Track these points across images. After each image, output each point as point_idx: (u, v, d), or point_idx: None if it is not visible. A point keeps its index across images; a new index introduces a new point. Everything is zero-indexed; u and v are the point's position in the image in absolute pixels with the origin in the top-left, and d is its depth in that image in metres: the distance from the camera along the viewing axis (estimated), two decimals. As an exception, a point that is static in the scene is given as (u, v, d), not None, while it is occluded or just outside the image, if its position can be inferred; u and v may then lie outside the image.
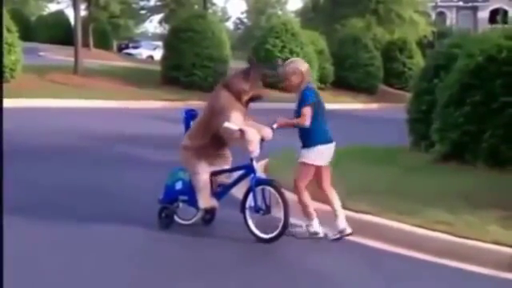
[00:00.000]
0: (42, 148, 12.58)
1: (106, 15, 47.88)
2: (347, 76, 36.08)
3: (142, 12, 61.63)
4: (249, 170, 6.96)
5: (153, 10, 62.01)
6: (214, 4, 61.25)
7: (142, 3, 60.28)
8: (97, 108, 21.51)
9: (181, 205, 7.33)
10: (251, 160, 6.89)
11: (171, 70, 27.94)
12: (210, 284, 5.61)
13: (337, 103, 29.75)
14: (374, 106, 33.56)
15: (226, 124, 6.70)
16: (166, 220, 7.25)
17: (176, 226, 7.29)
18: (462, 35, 15.26)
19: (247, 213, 6.93)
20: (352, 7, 45.94)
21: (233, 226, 7.21)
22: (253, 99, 6.98)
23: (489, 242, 6.60)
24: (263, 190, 6.87)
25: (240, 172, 7.13)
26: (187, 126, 7.38)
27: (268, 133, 6.96)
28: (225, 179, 7.23)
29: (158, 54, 44.02)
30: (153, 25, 72.88)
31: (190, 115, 7.44)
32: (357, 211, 7.56)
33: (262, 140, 6.88)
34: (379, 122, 23.47)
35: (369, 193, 8.39)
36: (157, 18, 64.47)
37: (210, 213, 7.36)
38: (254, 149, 6.75)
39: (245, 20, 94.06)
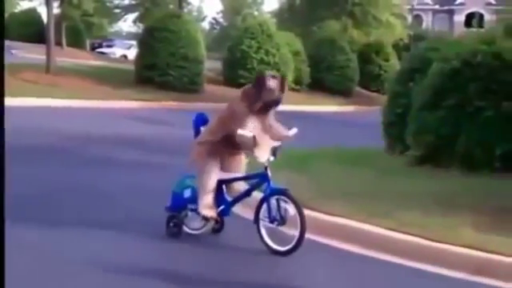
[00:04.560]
0: (13, 149, 12.37)
1: (80, 13, 47.41)
2: (323, 78, 36.09)
3: (116, 11, 61.18)
4: (263, 178, 6.72)
5: (127, 9, 61.64)
6: (189, 3, 60.97)
7: (116, 2, 59.87)
8: (69, 107, 21.29)
9: (189, 213, 7.06)
10: (265, 168, 6.66)
11: (145, 70, 27.75)
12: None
13: (312, 105, 29.78)
14: (349, 108, 33.60)
15: (240, 131, 6.51)
16: (174, 229, 7.01)
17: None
18: (437, 39, 15.28)
19: (261, 223, 6.67)
20: (328, 9, 46.00)
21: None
22: (268, 105, 6.71)
23: (461, 245, 6.62)
24: (278, 199, 6.60)
25: (254, 180, 6.90)
26: (197, 131, 7.13)
27: (287, 132, 6.82)
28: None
29: (131, 54, 43.77)
30: (127, 24, 72.64)
31: (201, 119, 7.20)
32: (330, 213, 7.51)
33: (281, 139, 6.74)
34: (354, 124, 23.52)
35: (342, 195, 8.36)
36: (131, 16, 64.04)
37: (218, 222, 7.13)
38: (261, 154, 6.56)
39: (220, 20, 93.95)
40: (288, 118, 7.16)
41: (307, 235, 6.59)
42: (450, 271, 6.36)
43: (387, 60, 40.96)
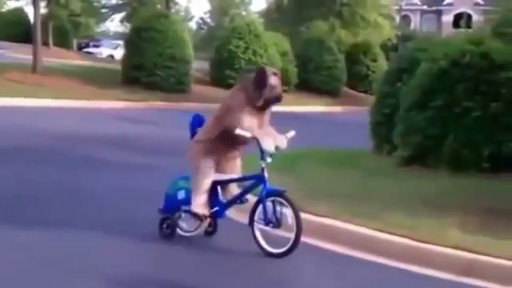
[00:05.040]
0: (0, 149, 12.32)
1: (67, 13, 47.22)
2: (311, 78, 36.06)
3: (104, 10, 61.05)
4: (259, 180, 6.60)
5: (114, 9, 61.51)
6: (176, 3, 60.79)
7: (103, 1, 59.73)
8: (56, 107, 21.17)
9: (183, 215, 6.96)
10: (262, 170, 6.55)
11: (132, 70, 27.65)
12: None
13: (300, 106, 29.74)
14: (337, 108, 33.60)
15: (238, 131, 6.40)
16: (167, 231, 6.92)
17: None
18: (425, 39, 15.28)
19: (256, 226, 6.58)
20: (316, 9, 46.01)
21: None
22: (269, 103, 6.62)
23: (449, 246, 6.62)
24: (273, 201, 6.50)
25: (250, 182, 6.79)
26: (193, 132, 7.02)
27: (282, 141, 6.68)
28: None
29: (118, 54, 43.63)
30: (114, 24, 72.36)
31: (197, 120, 7.08)
32: (317, 214, 7.48)
33: (276, 148, 6.59)
34: (342, 124, 23.52)
35: (329, 196, 8.33)
36: (118, 16, 63.93)
37: (212, 225, 7.05)
38: (270, 148, 6.46)
39: (208, 20, 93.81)
40: (275, 119, 7.10)
41: (285, 233, 6.57)
42: (437, 272, 6.36)
43: (375, 60, 40.98)
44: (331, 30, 44.67)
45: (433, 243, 6.69)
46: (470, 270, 6.32)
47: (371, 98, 15.70)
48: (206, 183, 6.68)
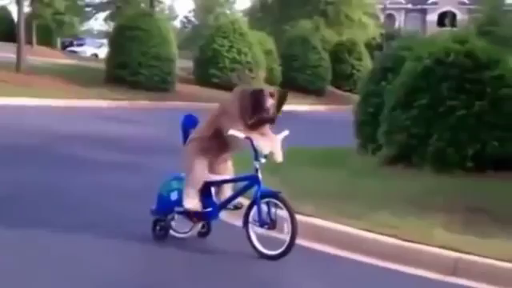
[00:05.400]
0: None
1: (50, 12, 46.96)
2: (295, 77, 36.08)
3: (88, 9, 60.83)
4: (253, 180, 6.52)
5: (98, 8, 61.29)
6: (160, 2, 60.72)
7: (87, 0, 59.51)
8: (40, 106, 21.06)
9: (176, 216, 6.85)
10: (256, 170, 6.48)
11: (116, 69, 27.57)
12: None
13: (284, 105, 29.69)
14: (321, 107, 33.64)
15: (231, 132, 6.33)
16: (160, 233, 6.84)
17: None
18: (410, 38, 15.31)
19: (250, 227, 6.50)
20: (301, 8, 46.06)
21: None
22: (262, 123, 6.55)
23: (434, 245, 6.63)
24: (268, 202, 6.43)
25: (243, 183, 6.70)
26: (185, 133, 6.92)
27: (278, 154, 6.61)
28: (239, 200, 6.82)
29: (102, 52, 43.45)
30: (98, 22, 72.03)
31: (190, 121, 6.98)
32: (303, 214, 7.45)
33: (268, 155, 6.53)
34: (327, 123, 23.52)
35: (314, 195, 8.31)
36: (102, 15, 63.72)
37: (205, 227, 6.98)
38: (265, 150, 6.41)
39: (192, 19, 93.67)
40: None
41: (279, 235, 6.53)
42: (423, 271, 6.37)
43: (360, 59, 41.10)
44: (316, 28, 44.72)
45: (418, 242, 6.70)
46: (456, 268, 6.34)
47: (356, 97, 15.68)
48: (199, 178, 6.60)
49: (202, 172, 6.61)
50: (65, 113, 20.39)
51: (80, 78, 27.39)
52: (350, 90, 38.74)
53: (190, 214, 6.74)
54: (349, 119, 13.71)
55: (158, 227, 6.85)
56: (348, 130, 13.51)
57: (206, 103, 25.97)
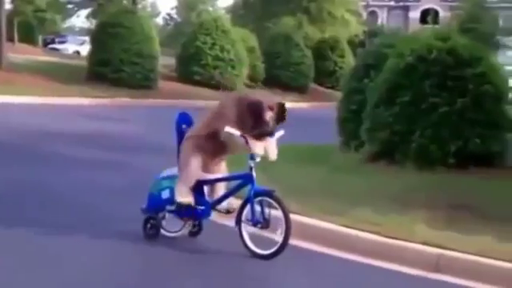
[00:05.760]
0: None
1: (32, 9, 46.69)
2: (278, 74, 36.08)
3: (69, 6, 60.55)
4: (247, 179, 6.47)
5: (80, 5, 60.98)
6: (143, -1, 60.66)
7: (69, -3, 59.26)
8: (21, 104, 20.94)
9: (167, 215, 6.79)
10: (250, 169, 6.41)
11: (98, 66, 27.44)
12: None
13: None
14: (304, 104, 33.65)
15: (227, 129, 6.27)
16: (151, 231, 6.75)
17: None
18: (392, 35, 15.35)
19: (243, 226, 6.44)
20: (283, 5, 46.05)
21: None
22: (259, 135, 6.46)
23: (416, 242, 6.65)
24: (261, 201, 6.38)
25: (237, 181, 6.64)
26: (179, 131, 6.82)
27: (273, 152, 6.58)
28: (229, 206, 6.70)
29: (84, 50, 43.23)
30: (80, 19, 71.66)
31: (184, 119, 6.88)
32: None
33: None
34: (309, 121, 23.51)
35: (297, 192, 8.31)
36: (84, 12, 63.47)
37: (196, 226, 6.90)
38: (259, 151, 6.36)
39: (175, 16, 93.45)
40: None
41: (261, 232, 6.52)
42: (405, 268, 6.38)
43: (342, 56, 41.14)
44: (298, 25, 44.73)
45: (401, 239, 6.71)
46: (438, 265, 6.35)
47: (338, 94, 15.72)
48: (193, 177, 6.54)
49: (196, 169, 6.55)
50: (46, 110, 20.25)
51: (61, 75, 27.24)
52: (332, 87, 38.79)
53: (181, 213, 6.68)
54: (332, 116, 13.72)
55: (148, 225, 6.78)
56: (331, 127, 13.52)
57: (189, 100, 26.02)
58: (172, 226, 6.89)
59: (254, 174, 6.43)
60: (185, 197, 6.54)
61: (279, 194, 6.43)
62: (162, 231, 6.83)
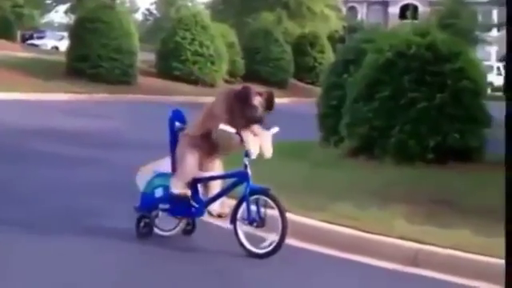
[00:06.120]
0: None
1: (10, 4, 46.42)
2: (258, 70, 36.04)
3: (48, 1, 60.24)
4: (242, 177, 6.41)
5: (59, 0, 60.71)
6: (122, -6, 60.39)
7: (47, -8, 58.99)
8: (-1, 100, 20.78)
9: (160, 214, 6.70)
10: (245, 167, 6.34)
11: (77, 62, 27.28)
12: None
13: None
14: (284, 100, 33.56)
15: (222, 126, 6.20)
16: (144, 230, 6.65)
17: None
18: (372, 30, 15.39)
19: (238, 224, 6.34)
20: (263, 0, 46.02)
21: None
22: (249, 123, 6.41)
23: (395, 236, 6.67)
24: (257, 200, 6.32)
25: (232, 179, 6.58)
26: (172, 128, 6.73)
27: (268, 150, 6.53)
28: (221, 210, 6.66)
29: (63, 45, 42.94)
30: (59, 15, 71.35)
31: (177, 116, 6.78)
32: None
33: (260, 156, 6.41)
34: (289, 116, 23.49)
35: (277, 188, 8.22)
36: (63, 7, 63.18)
37: (190, 224, 6.83)
38: (255, 149, 6.29)
39: (154, 11, 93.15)
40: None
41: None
42: (384, 262, 6.39)
43: (322, 52, 41.15)
44: (278, 21, 44.73)
45: (379, 234, 6.73)
46: (416, 259, 6.36)
47: (318, 90, 15.72)
48: (189, 172, 6.47)
49: (192, 166, 6.48)
50: (24, 106, 20.12)
51: (40, 71, 27.03)
52: (312, 83, 38.80)
53: (174, 212, 6.63)
54: (312, 112, 13.73)
55: (141, 224, 6.68)
56: (311, 122, 13.54)
57: (169, 96, 25.94)
58: (165, 225, 6.81)
59: (249, 171, 6.37)
60: (181, 189, 6.47)
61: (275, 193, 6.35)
62: (156, 230, 6.74)
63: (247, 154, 6.35)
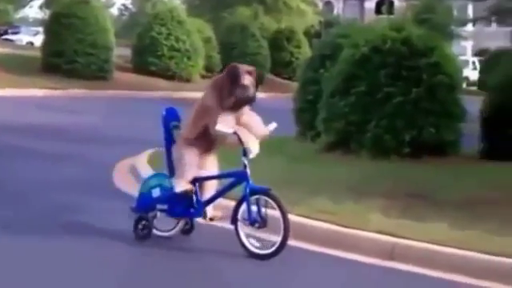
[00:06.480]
0: None
1: (-17, -1, 45.98)
2: (234, 65, 35.96)
3: (22, -4, 59.78)
4: (241, 177, 6.30)
5: (33, -5, 60.27)
6: (98, -11, 59.94)
7: (21, -13, 58.42)
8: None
9: (158, 214, 6.57)
10: (245, 166, 6.24)
11: (52, 57, 27.06)
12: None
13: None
14: (261, 95, 33.47)
15: (219, 127, 6.09)
16: (143, 232, 6.52)
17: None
18: (348, 25, 15.41)
19: (239, 225, 6.25)
20: (239, -5, 45.91)
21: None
22: (241, 104, 6.32)
23: (371, 230, 6.69)
24: (258, 200, 6.22)
25: (231, 179, 6.48)
26: (166, 127, 6.61)
27: (264, 130, 6.49)
28: (214, 213, 6.56)
29: (38, 40, 42.61)
30: (33, 10, 70.72)
31: (171, 114, 6.67)
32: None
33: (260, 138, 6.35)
34: (266, 111, 23.49)
35: (254, 183, 8.28)
36: (37, 2, 62.69)
37: (188, 224, 6.72)
38: (254, 148, 6.22)
39: (130, 6, 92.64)
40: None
41: (216, 223, 6.48)
42: (360, 256, 6.42)
43: (298, 47, 41.14)
44: (254, 16, 44.63)
45: (356, 228, 6.76)
46: (393, 253, 6.40)
47: (295, 85, 15.74)
48: (190, 171, 6.37)
49: (192, 164, 6.37)
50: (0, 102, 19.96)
51: (15, 66, 26.76)
52: (289, 78, 38.78)
53: (173, 212, 6.53)
54: (288, 107, 13.74)
55: (140, 226, 6.55)
56: (287, 117, 13.53)
57: (145, 91, 25.85)
58: (164, 225, 6.69)
59: (248, 171, 6.28)
60: (184, 186, 6.35)
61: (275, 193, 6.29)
62: (154, 231, 6.61)
63: (245, 153, 6.27)
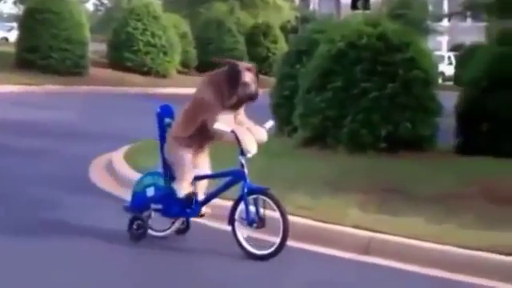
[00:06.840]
0: None
1: (-43, -6, 45.50)
2: (211, 60, 35.87)
3: (-4, -9, 59.19)
4: (238, 176, 6.24)
5: (8, -10, 59.72)
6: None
7: (-5, -18, 57.86)
8: None
9: (153, 214, 6.50)
10: (242, 165, 6.20)
11: (27, 53, 26.89)
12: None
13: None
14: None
15: (217, 125, 6.03)
16: (138, 232, 6.42)
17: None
18: (324, 21, 15.44)
19: (237, 225, 6.20)
20: (215, -10, 45.76)
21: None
22: (242, 102, 6.28)
23: (348, 225, 6.72)
24: (256, 199, 6.15)
25: (227, 178, 6.42)
26: (161, 125, 6.50)
27: (262, 135, 6.41)
28: (206, 209, 6.50)
29: (13, 36, 42.27)
30: (7, 5, 70.08)
31: (166, 111, 6.57)
32: (220, 197, 7.40)
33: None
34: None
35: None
36: (12, -2, 62.11)
37: (183, 223, 6.65)
38: (252, 148, 6.14)
39: (105, 1, 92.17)
40: (177, 102, 6.98)
41: (196, 219, 6.46)
42: (337, 251, 6.46)
43: (275, 42, 41.15)
44: (231, 11, 44.55)
45: (333, 223, 6.79)
46: (369, 248, 6.44)
47: (272, 80, 15.75)
48: (190, 172, 6.30)
49: (190, 165, 6.32)
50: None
51: (-11, 62, 26.61)
52: (265, 73, 38.78)
53: (168, 212, 6.45)
54: (265, 102, 13.73)
55: (135, 226, 6.46)
56: (264, 112, 13.53)
57: (121, 87, 25.73)
58: (159, 225, 6.61)
59: (246, 170, 6.22)
60: (187, 189, 6.30)
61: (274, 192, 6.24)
62: (150, 231, 6.54)
63: (243, 153, 6.20)
